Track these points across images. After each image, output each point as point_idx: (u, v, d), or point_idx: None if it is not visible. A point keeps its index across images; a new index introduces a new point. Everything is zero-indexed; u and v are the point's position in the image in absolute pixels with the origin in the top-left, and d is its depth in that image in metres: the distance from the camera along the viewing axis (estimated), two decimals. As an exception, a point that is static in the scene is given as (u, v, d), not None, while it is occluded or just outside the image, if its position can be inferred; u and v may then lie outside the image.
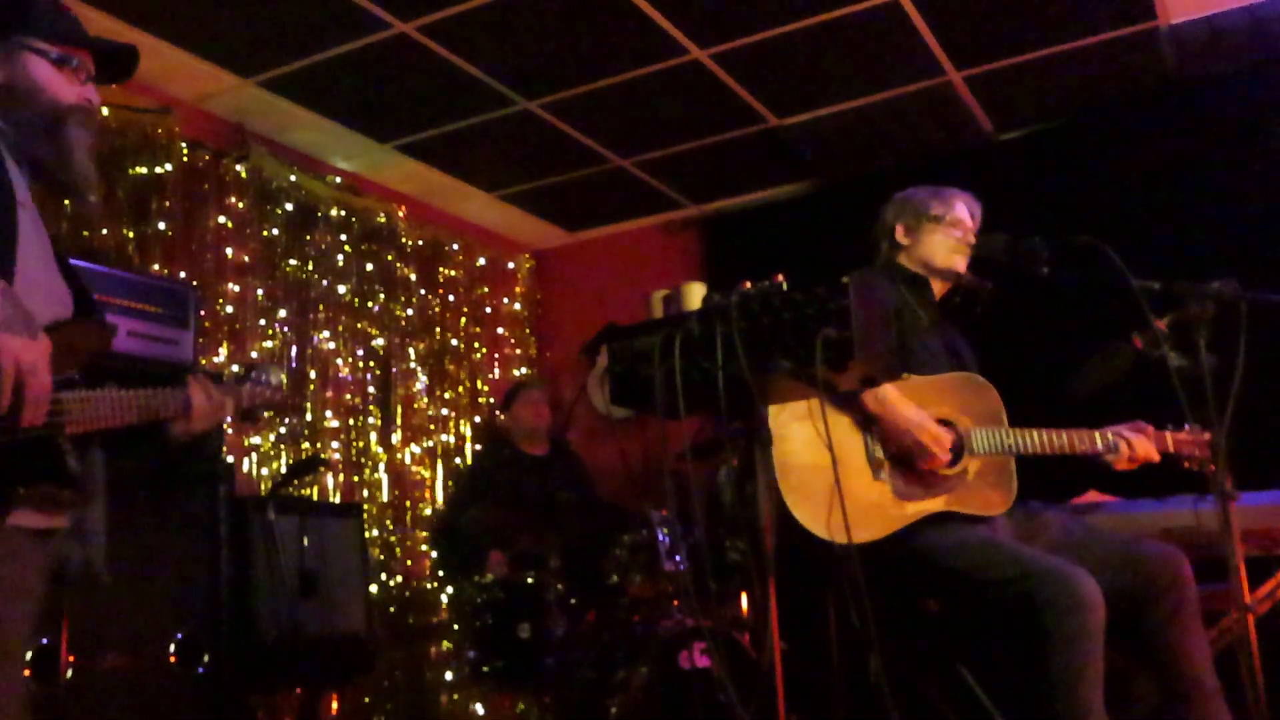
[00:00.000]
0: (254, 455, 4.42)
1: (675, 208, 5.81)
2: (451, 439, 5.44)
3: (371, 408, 5.02)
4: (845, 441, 2.45)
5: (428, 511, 5.19)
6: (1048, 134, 4.84)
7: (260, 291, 4.55)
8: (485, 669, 3.82)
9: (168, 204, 4.18)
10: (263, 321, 4.52)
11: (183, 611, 3.20)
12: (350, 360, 4.95)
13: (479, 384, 5.70)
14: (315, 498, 4.57)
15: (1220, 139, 4.39)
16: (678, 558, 3.78)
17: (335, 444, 4.79)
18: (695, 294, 5.49)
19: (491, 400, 5.67)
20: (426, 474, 5.26)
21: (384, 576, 4.89)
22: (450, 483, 5.28)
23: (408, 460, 5.17)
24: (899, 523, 2.44)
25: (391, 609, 4.89)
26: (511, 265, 6.10)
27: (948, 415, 2.55)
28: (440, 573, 5.05)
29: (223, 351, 4.31)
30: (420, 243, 5.46)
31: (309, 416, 4.69)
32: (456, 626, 4.87)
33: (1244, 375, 2.17)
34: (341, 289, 4.96)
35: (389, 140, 4.91)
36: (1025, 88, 4.51)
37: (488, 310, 5.87)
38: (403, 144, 4.94)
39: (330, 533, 3.91)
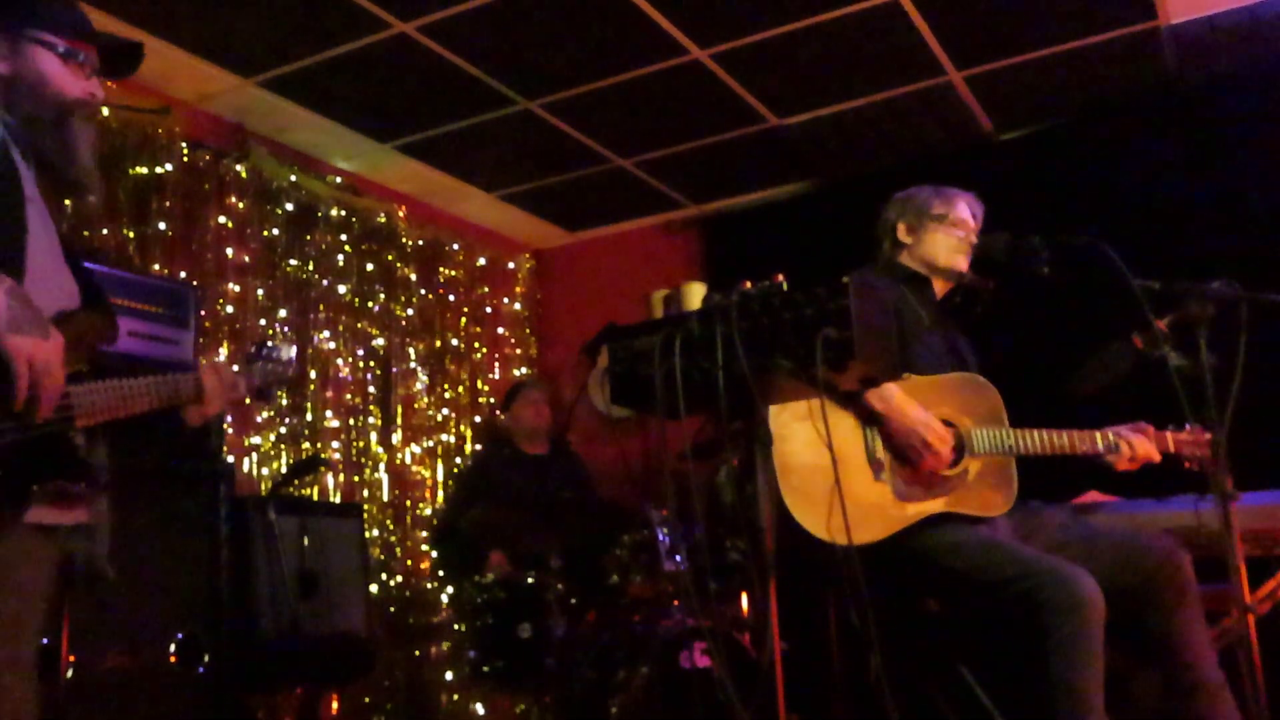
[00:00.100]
0: (254, 455, 4.42)
1: (675, 208, 5.81)
2: (451, 439, 5.44)
3: (372, 407, 5.02)
4: (846, 442, 2.45)
5: (428, 511, 5.19)
6: (1048, 134, 4.84)
7: (260, 291, 4.55)
8: (486, 669, 3.82)
9: (168, 204, 4.18)
10: (263, 321, 4.53)
11: (183, 611, 3.20)
12: (350, 360, 4.95)
13: (479, 384, 5.70)
14: (315, 498, 4.58)
15: (1220, 139, 4.39)
16: (678, 558, 3.78)
17: (335, 444, 4.79)
18: (695, 294, 5.49)
19: (491, 400, 5.67)
20: (427, 474, 5.26)
21: (384, 576, 4.89)
22: (450, 483, 5.28)
23: (408, 460, 5.17)
24: (900, 524, 2.44)
25: (392, 609, 4.89)
26: (512, 265, 6.10)
27: (949, 415, 2.55)
28: (440, 573, 5.05)
29: (223, 352, 4.31)
30: (420, 243, 5.46)
31: (309, 416, 4.69)
32: (457, 626, 4.87)
33: (1244, 375, 2.17)
34: (342, 289, 4.96)
35: (389, 140, 4.91)
36: (1025, 88, 4.51)
37: (488, 310, 5.87)
38: (403, 144, 4.94)
39: (330, 533, 3.91)
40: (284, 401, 4.59)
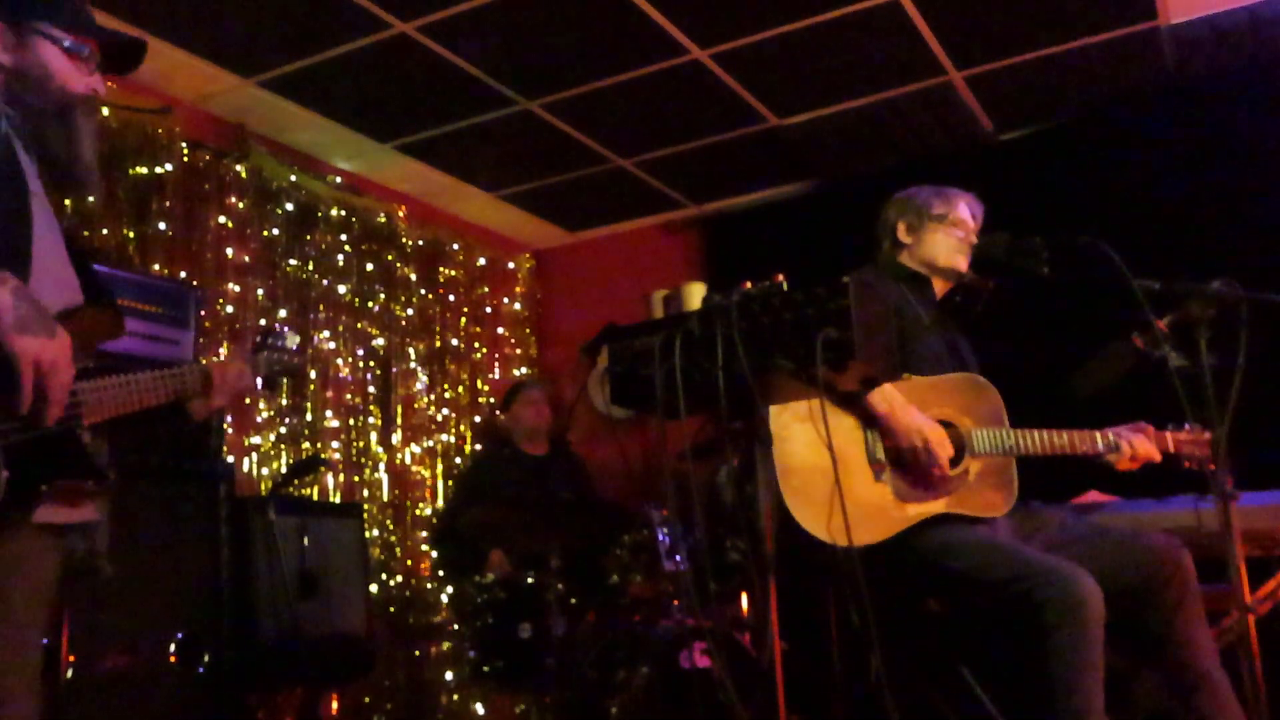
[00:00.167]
0: (254, 455, 4.43)
1: (675, 208, 5.82)
2: (451, 439, 5.44)
3: (372, 407, 5.02)
4: (846, 443, 2.44)
5: (428, 511, 5.19)
6: (1048, 134, 4.84)
7: (261, 291, 4.55)
8: (486, 669, 3.82)
9: (168, 204, 4.18)
10: (263, 321, 4.52)
11: (183, 611, 3.20)
12: (350, 360, 4.95)
13: (479, 384, 5.70)
14: (316, 498, 4.58)
15: (1220, 139, 4.39)
16: (678, 557, 3.78)
17: (335, 444, 4.79)
18: (695, 294, 5.49)
19: (491, 400, 5.68)
20: (427, 474, 5.26)
21: (384, 576, 4.89)
22: (450, 483, 5.28)
23: (408, 460, 5.17)
24: (900, 524, 2.44)
25: (392, 609, 4.89)
26: (512, 265, 6.10)
27: (949, 416, 2.55)
28: (440, 573, 5.05)
29: (223, 352, 4.31)
30: (420, 243, 5.46)
31: (309, 416, 4.69)
32: (457, 626, 4.88)
33: (1244, 375, 2.17)
34: (342, 289, 4.96)
35: (389, 140, 4.91)
36: (1025, 88, 4.51)
37: (488, 310, 5.87)
38: (403, 144, 4.94)
39: (330, 533, 3.91)
40: (284, 401, 4.59)
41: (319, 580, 3.73)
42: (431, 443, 5.32)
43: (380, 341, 5.12)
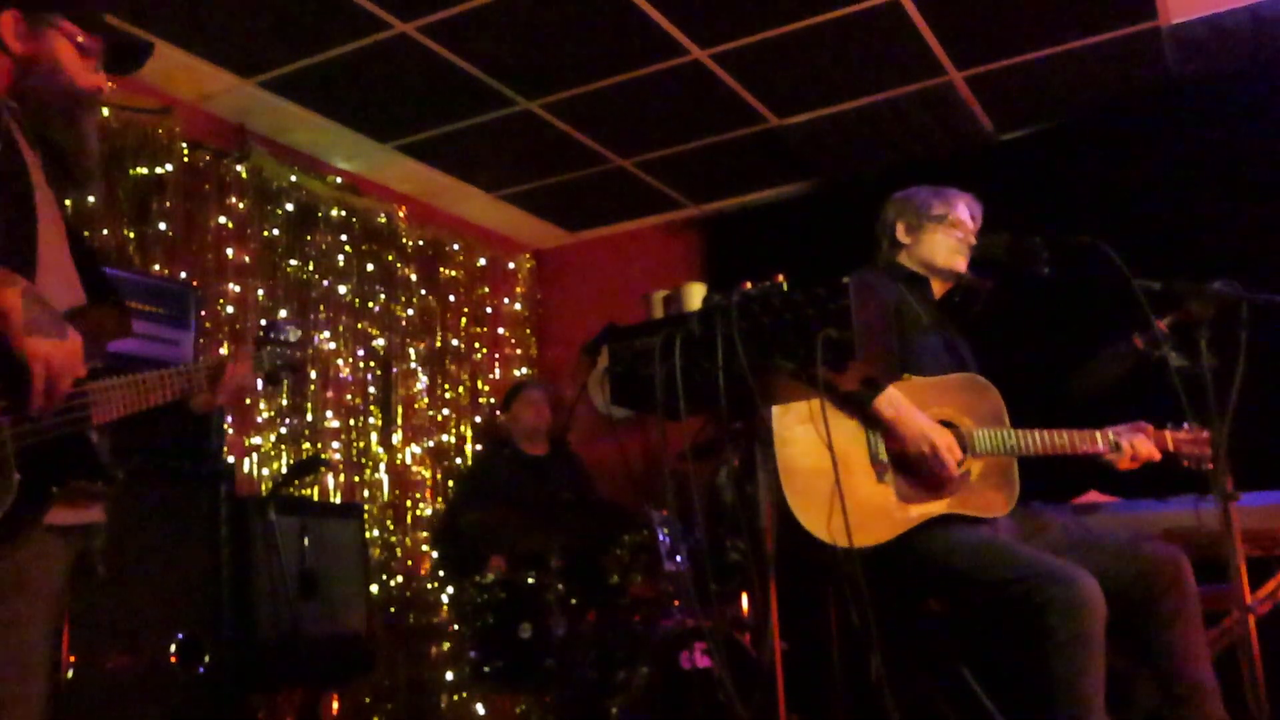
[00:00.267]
0: (254, 455, 4.42)
1: (675, 208, 5.81)
2: (452, 439, 5.44)
3: (372, 408, 5.02)
4: (848, 444, 2.44)
5: (428, 512, 5.19)
6: (1048, 134, 4.84)
7: (261, 292, 4.55)
8: (486, 669, 3.82)
9: (168, 204, 4.18)
10: (263, 322, 4.52)
11: (183, 611, 3.20)
12: (351, 360, 4.95)
13: (479, 384, 5.70)
14: (316, 498, 4.58)
15: (1220, 139, 4.39)
16: (678, 558, 3.78)
17: (336, 444, 4.79)
18: (696, 294, 5.47)
19: (492, 400, 5.68)
20: (427, 474, 5.26)
21: (384, 577, 4.89)
22: (450, 483, 5.28)
23: (408, 460, 5.17)
24: (903, 525, 2.44)
25: (392, 609, 4.89)
26: (512, 265, 6.10)
27: (950, 416, 2.55)
28: (441, 573, 5.05)
29: (223, 352, 4.31)
30: (421, 243, 5.46)
31: (309, 417, 4.69)
32: (457, 627, 4.88)
33: (1244, 376, 2.17)
34: (342, 289, 4.96)
35: (389, 140, 4.91)
36: (1025, 88, 4.51)
37: (488, 310, 5.87)
38: (403, 144, 4.94)
39: (331, 533, 3.91)
40: (285, 402, 4.59)
41: (319, 580, 3.73)
42: (432, 443, 5.32)
43: (380, 342, 5.12)
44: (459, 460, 5.41)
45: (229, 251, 4.43)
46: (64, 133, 1.84)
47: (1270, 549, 3.05)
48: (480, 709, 4.85)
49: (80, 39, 1.86)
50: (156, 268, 4.08)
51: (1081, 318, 3.94)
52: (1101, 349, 2.84)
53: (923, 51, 4.19)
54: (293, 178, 4.76)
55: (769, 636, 2.17)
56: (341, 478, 4.78)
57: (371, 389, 5.04)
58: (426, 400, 5.34)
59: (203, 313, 4.02)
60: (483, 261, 5.87)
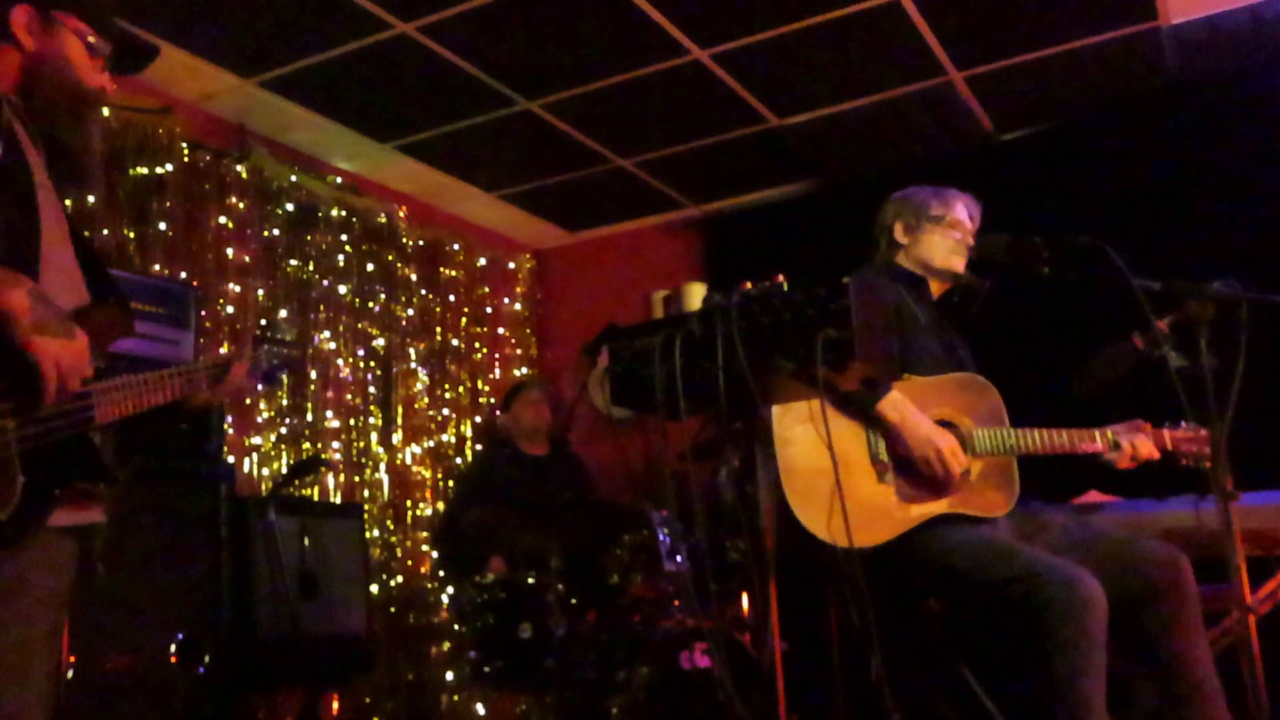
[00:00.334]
0: (255, 455, 4.43)
1: (675, 208, 5.82)
2: (452, 439, 5.44)
3: (372, 408, 5.02)
4: (849, 444, 2.44)
5: (428, 512, 5.19)
6: (1048, 134, 4.84)
7: (261, 292, 4.55)
8: (486, 669, 3.82)
9: (168, 204, 4.18)
10: (264, 322, 4.52)
11: (183, 612, 3.20)
12: (351, 360, 4.95)
13: (479, 384, 5.70)
14: (316, 498, 4.57)
15: (1220, 139, 4.39)
16: (678, 558, 3.78)
17: (336, 444, 4.79)
18: (696, 294, 5.49)
19: (492, 400, 5.67)
20: (427, 474, 5.26)
21: (384, 577, 4.89)
22: (451, 483, 5.28)
23: (408, 460, 5.17)
24: (904, 525, 2.44)
25: (392, 609, 4.89)
26: (512, 265, 6.10)
27: (949, 416, 2.55)
28: (441, 573, 5.05)
29: (223, 351, 4.31)
30: (421, 243, 5.46)
31: (310, 417, 4.69)
32: (457, 627, 4.87)
33: (1244, 376, 2.17)
34: (342, 289, 4.96)
35: (389, 140, 4.91)
36: (1025, 88, 4.51)
37: (488, 310, 5.87)
38: (403, 144, 4.94)
39: (331, 533, 3.91)
40: (285, 402, 4.59)
41: (319, 580, 3.73)
42: (432, 443, 5.32)
43: (380, 342, 5.12)
44: (459, 460, 5.41)
45: (229, 251, 4.43)
46: (70, 132, 1.84)
47: (1270, 549, 3.05)
48: (480, 709, 4.85)
49: (91, 39, 1.86)
50: (156, 268, 4.08)
51: (1081, 318, 3.94)
52: (1101, 349, 2.84)
53: (923, 51, 4.19)
54: (293, 178, 4.76)
55: (769, 636, 2.17)
56: (341, 478, 4.78)
57: (371, 389, 5.04)
58: (426, 400, 5.34)
59: (203, 313, 4.02)
60: (483, 261, 5.87)
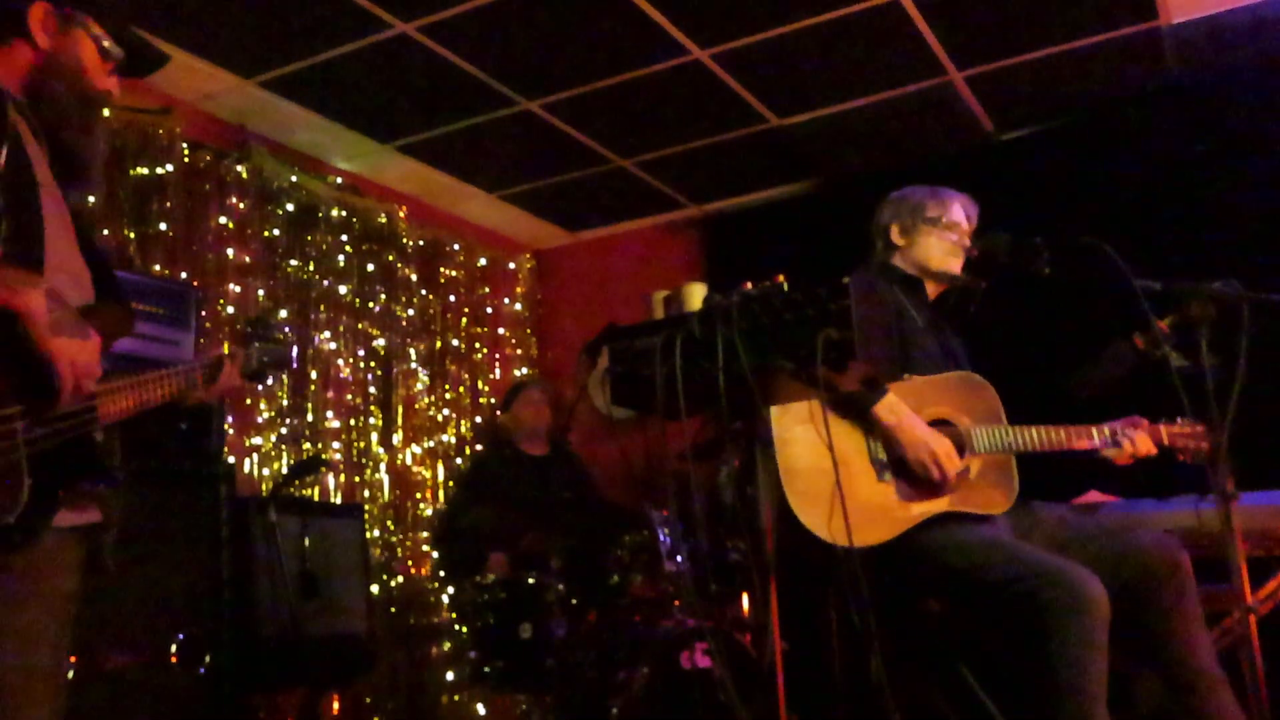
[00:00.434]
0: (255, 456, 4.43)
1: (675, 208, 5.82)
2: (452, 439, 5.45)
3: (373, 408, 5.02)
4: (848, 443, 2.44)
5: (429, 512, 5.19)
6: (1048, 134, 4.84)
7: (261, 292, 4.55)
8: (486, 669, 3.82)
9: (169, 204, 4.18)
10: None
11: (184, 612, 3.20)
12: (351, 361, 4.96)
13: (480, 384, 5.71)
14: (316, 498, 4.58)
15: (1220, 139, 4.39)
16: (679, 558, 3.78)
17: (336, 444, 4.79)
18: (696, 294, 5.48)
19: (492, 400, 5.68)
20: (427, 474, 5.26)
21: (385, 577, 4.89)
22: (451, 483, 5.28)
23: (409, 460, 5.17)
24: (904, 524, 2.44)
25: (393, 609, 4.90)
26: (512, 265, 6.10)
27: (947, 414, 2.55)
28: (441, 573, 5.05)
29: (224, 351, 4.30)
30: (421, 243, 5.46)
31: (310, 417, 4.69)
32: (458, 627, 4.88)
33: (1245, 376, 2.17)
34: (342, 289, 4.96)
35: (390, 140, 4.91)
36: (1025, 88, 4.51)
37: (488, 310, 5.88)
38: (403, 144, 4.94)
39: (331, 533, 3.92)
40: (285, 402, 4.59)
41: (320, 581, 3.73)
42: (432, 443, 5.32)
43: (381, 342, 5.13)
44: (459, 460, 5.41)
45: (229, 251, 4.44)
46: (75, 134, 1.84)
47: (1272, 549, 3.05)
48: (481, 709, 4.85)
49: (106, 43, 1.86)
50: (157, 268, 4.08)
51: (1081, 318, 3.94)
52: (1101, 349, 2.84)
53: (923, 51, 4.19)
54: (293, 178, 4.76)
55: (769, 636, 2.18)
56: (342, 478, 4.78)
57: (372, 389, 5.04)
58: (427, 400, 5.34)
59: (203, 313, 4.02)
60: (483, 261, 5.87)
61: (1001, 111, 4.75)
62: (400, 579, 4.98)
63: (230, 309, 4.39)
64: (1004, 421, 2.60)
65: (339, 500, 4.71)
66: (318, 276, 4.86)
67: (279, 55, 4.14)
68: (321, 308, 4.85)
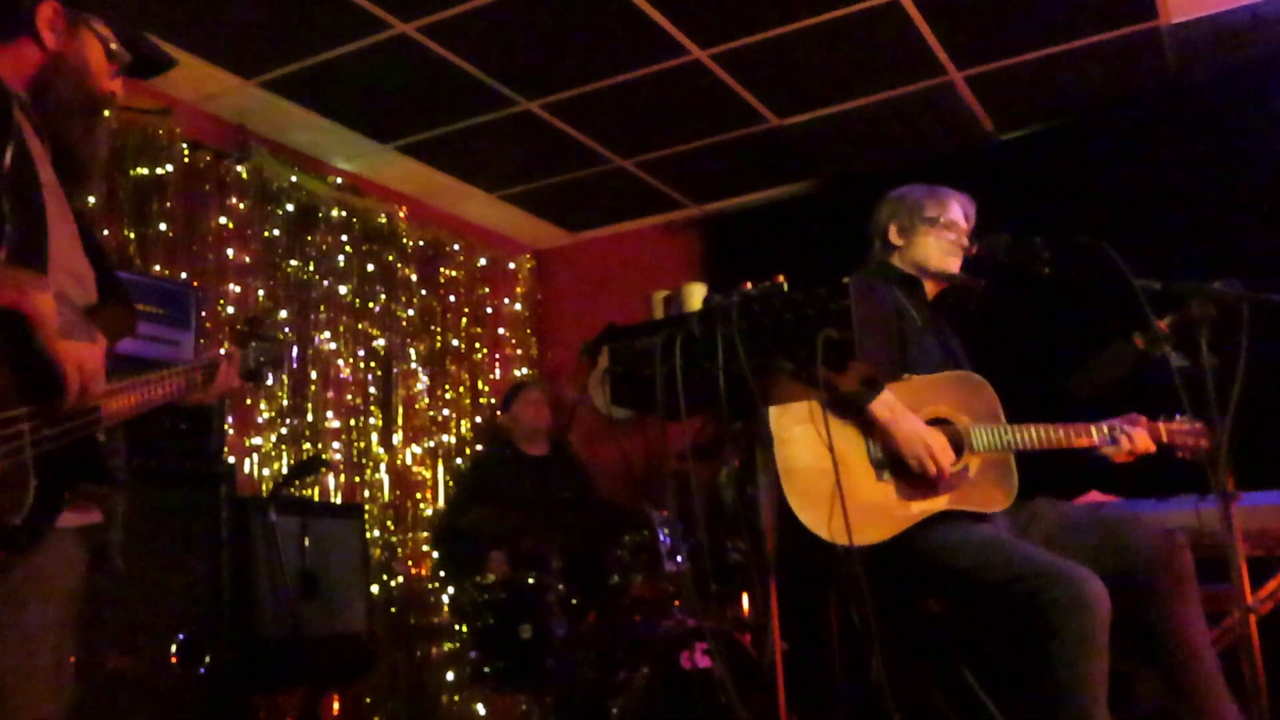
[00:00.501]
0: (255, 456, 4.43)
1: (675, 208, 5.82)
2: (452, 439, 5.44)
3: (373, 408, 5.02)
4: (847, 443, 2.44)
5: (429, 512, 5.19)
6: (1048, 134, 4.84)
7: (261, 292, 4.55)
8: (486, 669, 3.82)
9: (169, 205, 4.18)
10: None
11: (184, 612, 3.20)
12: (351, 361, 4.95)
13: (480, 384, 5.70)
14: (316, 498, 4.58)
15: (1220, 139, 4.39)
16: (679, 558, 3.78)
17: (336, 444, 4.79)
18: (696, 294, 5.46)
19: (492, 400, 5.67)
20: (427, 474, 5.26)
21: (385, 577, 4.89)
22: (451, 483, 5.28)
23: (409, 461, 5.17)
24: (904, 523, 2.44)
25: (393, 609, 4.90)
26: (512, 265, 6.10)
27: (946, 413, 2.55)
28: (441, 573, 5.05)
29: (222, 352, 4.30)
30: (421, 243, 5.46)
31: (310, 417, 4.69)
32: (458, 627, 4.88)
33: (1245, 376, 2.17)
34: (342, 289, 4.96)
35: (390, 140, 4.91)
36: (1025, 88, 4.51)
37: (488, 310, 5.87)
38: (403, 144, 4.94)
39: (331, 533, 3.91)
40: (285, 402, 4.59)
41: (320, 581, 3.73)
42: (432, 443, 5.32)
43: (381, 342, 5.13)
44: (459, 460, 5.41)
45: (229, 252, 4.43)
46: (78, 135, 1.84)
47: (1272, 549, 3.05)
48: (481, 709, 4.85)
49: (113, 46, 1.86)
50: (157, 268, 4.08)
51: (1081, 318, 3.94)
52: (1101, 349, 2.84)
53: (923, 51, 4.19)
54: (293, 178, 4.76)
55: (769, 637, 2.18)
56: (342, 478, 4.78)
57: (372, 389, 5.04)
58: (427, 400, 5.34)
59: (203, 313, 4.02)
60: (483, 262, 5.87)
61: (1001, 111, 4.75)
62: (400, 579, 4.98)
63: (230, 309, 4.38)
64: (1003, 420, 2.60)
65: (339, 500, 4.71)
66: (318, 277, 4.86)
67: (279, 55, 4.14)
68: (321, 308, 4.85)
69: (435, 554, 5.06)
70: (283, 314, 4.64)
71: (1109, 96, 4.57)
